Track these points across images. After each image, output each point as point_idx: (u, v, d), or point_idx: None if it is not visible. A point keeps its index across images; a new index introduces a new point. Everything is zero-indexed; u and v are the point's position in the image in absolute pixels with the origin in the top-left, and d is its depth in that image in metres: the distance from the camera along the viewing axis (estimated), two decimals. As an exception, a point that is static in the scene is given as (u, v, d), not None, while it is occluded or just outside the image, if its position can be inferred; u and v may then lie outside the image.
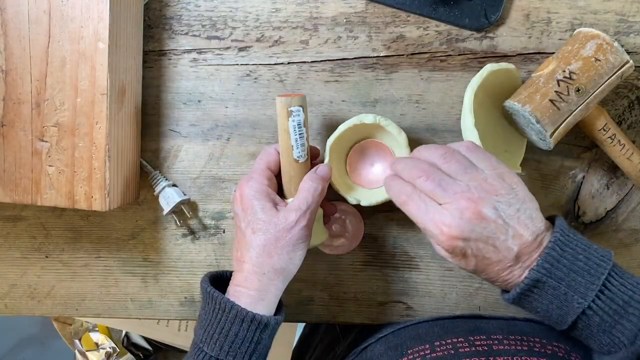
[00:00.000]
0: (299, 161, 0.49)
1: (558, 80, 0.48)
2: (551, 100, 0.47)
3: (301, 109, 0.47)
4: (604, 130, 0.51)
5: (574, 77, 0.47)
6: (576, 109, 0.48)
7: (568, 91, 0.47)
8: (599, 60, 0.47)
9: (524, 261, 0.41)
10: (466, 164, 0.42)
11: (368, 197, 0.53)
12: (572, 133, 0.54)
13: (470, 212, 0.40)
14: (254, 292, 0.46)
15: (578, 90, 0.47)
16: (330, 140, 0.52)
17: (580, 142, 0.56)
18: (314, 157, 0.52)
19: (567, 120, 0.48)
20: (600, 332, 0.41)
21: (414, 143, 0.56)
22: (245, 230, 0.46)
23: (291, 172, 0.49)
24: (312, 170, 0.49)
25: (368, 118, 0.51)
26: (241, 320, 0.44)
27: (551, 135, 0.48)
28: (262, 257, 0.46)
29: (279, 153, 0.49)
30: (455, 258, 0.42)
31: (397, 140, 0.52)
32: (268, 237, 0.46)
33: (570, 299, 0.41)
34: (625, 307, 0.41)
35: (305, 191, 0.47)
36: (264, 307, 0.46)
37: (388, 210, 0.58)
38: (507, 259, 0.41)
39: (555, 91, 0.47)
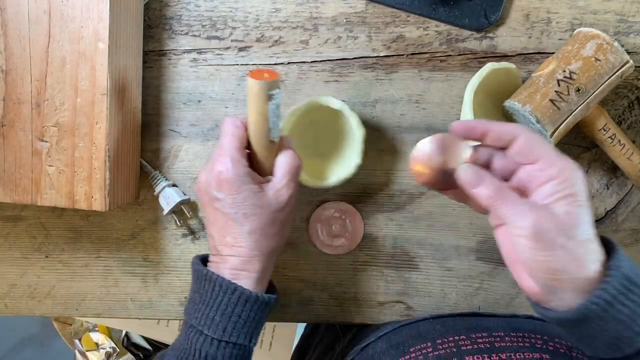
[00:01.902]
0: (275, 141, 0.47)
1: (558, 80, 0.48)
2: (551, 100, 0.47)
3: (279, 90, 0.44)
4: (604, 130, 0.51)
5: (574, 77, 0.47)
6: (576, 108, 0.48)
7: (568, 91, 0.47)
8: (599, 60, 0.47)
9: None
10: None
11: (307, 176, 0.53)
12: (572, 133, 0.54)
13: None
14: (257, 273, 0.46)
15: (578, 90, 0.47)
16: (290, 111, 0.52)
17: (580, 142, 0.56)
18: None
19: (567, 120, 0.48)
20: None
21: (413, 143, 0.56)
22: (236, 215, 0.45)
23: (265, 152, 0.47)
24: (284, 145, 0.48)
25: (335, 103, 0.51)
26: (245, 302, 0.44)
27: (551, 135, 0.48)
28: (260, 241, 0.45)
29: (245, 128, 0.47)
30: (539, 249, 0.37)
31: (353, 133, 0.52)
32: (263, 220, 0.45)
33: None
34: None
35: (288, 166, 0.46)
36: (263, 286, 0.47)
37: (388, 211, 0.58)
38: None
39: (556, 91, 0.47)
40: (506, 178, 0.40)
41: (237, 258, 0.46)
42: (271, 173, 0.48)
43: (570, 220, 0.37)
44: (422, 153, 0.41)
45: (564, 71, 0.48)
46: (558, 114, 0.48)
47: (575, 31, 0.51)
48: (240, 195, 0.45)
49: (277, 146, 0.47)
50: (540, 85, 0.48)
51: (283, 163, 0.47)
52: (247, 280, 0.45)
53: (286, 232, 0.49)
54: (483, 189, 0.39)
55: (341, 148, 0.55)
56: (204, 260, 0.49)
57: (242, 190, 0.45)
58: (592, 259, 0.37)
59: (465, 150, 0.40)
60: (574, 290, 0.37)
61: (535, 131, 0.48)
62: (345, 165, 0.53)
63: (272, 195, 0.46)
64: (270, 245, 0.47)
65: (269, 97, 0.43)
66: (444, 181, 0.41)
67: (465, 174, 0.39)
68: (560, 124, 0.48)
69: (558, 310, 0.38)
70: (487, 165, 0.41)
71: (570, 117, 0.48)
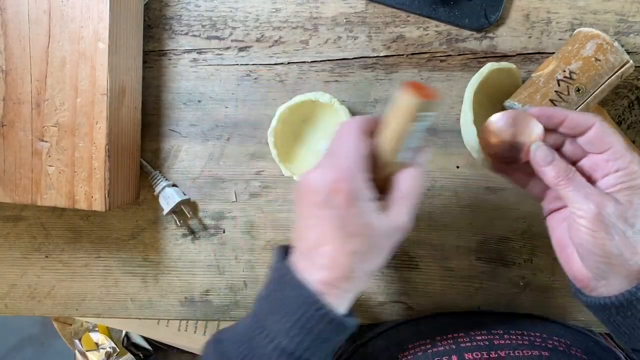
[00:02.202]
0: (398, 162, 0.41)
1: (558, 80, 0.48)
2: (551, 100, 0.47)
3: (433, 114, 0.39)
4: None
5: (574, 77, 0.47)
6: (576, 109, 0.48)
7: (568, 91, 0.47)
8: (599, 60, 0.47)
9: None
10: None
11: (302, 174, 0.53)
12: (572, 133, 0.54)
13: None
14: (348, 294, 0.41)
15: (578, 90, 0.47)
16: (282, 108, 0.52)
17: (580, 142, 0.56)
18: None
19: (567, 120, 0.48)
20: None
21: (414, 143, 0.56)
22: (341, 230, 0.40)
23: (384, 167, 0.41)
24: (416, 163, 0.42)
25: (324, 97, 0.52)
26: (328, 323, 0.40)
27: None
28: (361, 263, 0.40)
29: (373, 131, 0.41)
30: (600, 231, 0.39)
31: None
32: (369, 243, 0.40)
33: None
34: None
35: (413, 189, 0.41)
36: (347, 309, 0.42)
37: (388, 210, 0.58)
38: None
39: (556, 91, 0.47)
40: (572, 164, 0.42)
41: (331, 273, 0.40)
42: (382, 187, 0.42)
43: (632, 209, 0.38)
44: (494, 124, 0.43)
45: (564, 71, 0.48)
46: (558, 114, 0.48)
47: (575, 31, 0.51)
48: (353, 210, 0.39)
49: (400, 165, 0.41)
50: (540, 85, 0.48)
51: (408, 184, 0.41)
52: (335, 299, 0.40)
53: (387, 257, 0.43)
54: (551, 169, 0.40)
55: None
56: (285, 250, 0.44)
57: (356, 205, 0.39)
58: None
59: (536, 128, 0.42)
60: (625, 276, 0.38)
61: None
62: None
63: (387, 220, 0.40)
64: (369, 269, 0.41)
65: (416, 118, 0.38)
66: (510, 155, 0.43)
67: (536, 151, 0.41)
68: (560, 124, 0.48)
69: (602, 296, 0.40)
70: (556, 149, 0.42)
71: (570, 117, 0.48)
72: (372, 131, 0.41)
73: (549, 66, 0.49)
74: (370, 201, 0.40)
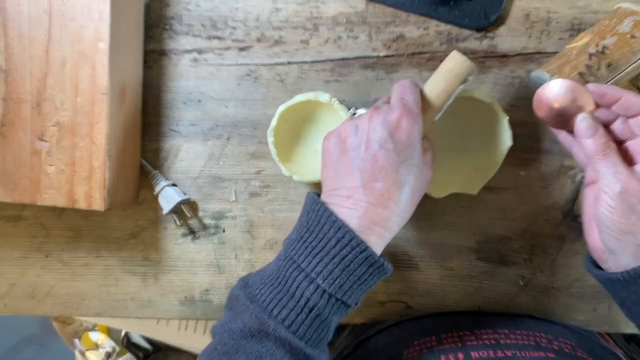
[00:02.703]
0: (434, 122, 0.45)
1: (590, 54, 0.46)
2: (580, 74, 0.46)
3: (472, 79, 0.44)
4: None
5: (607, 52, 0.46)
6: (606, 84, 0.47)
7: (599, 65, 0.46)
8: (635, 37, 0.46)
9: None
10: None
11: (302, 173, 0.53)
12: (572, 133, 0.54)
13: None
14: (389, 234, 0.41)
15: (609, 65, 0.46)
16: (282, 108, 0.52)
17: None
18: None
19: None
20: None
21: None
22: (399, 166, 0.41)
23: (425, 130, 0.44)
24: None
25: (324, 97, 0.51)
26: (369, 265, 0.40)
27: None
28: (407, 203, 0.42)
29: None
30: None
31: None
32: (417, 185, 0.42)
33: None
34: None
35: (434, 157, 0.46)
36: (381, 251, 0.42)
37: (388, 210, 0.57)
38: None
39: (587, 64, 0.46)
40: (621, 141, 0.43)
41: (379, 210, 0.40)
42: None
43: None
44: (551, 89, 0.44)
45: (597, 45, 0.46)
46: (585, 88, 0.47)
47: (615, 6, 0.49)
48: (413, 149, 0.41)
49: (431, 126, 0.45)
50: (572, 58, 0.47)
51: (433, 149, 0.45)
52: (376, 239, 0.41)
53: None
54: (591, 142, 0.42)
55: None
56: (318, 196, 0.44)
57: (416, 146, 0.41)
58: None
59: (590, 101, 0.43)
60: (633, 254, 0.40)
61: None
62: None
63: (427, 168, 0.44)
64: (409, 213, 0.43)
65: (464, 81, 0.43)
66: (559, 120, 0.45)
67: (582, 123, 0.42)
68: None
69: (610, 270, 0.43)
70: (606, 125, 0.43)
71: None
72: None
73: (583, 39, 0.48)
74: (421, 149, 0.42)
